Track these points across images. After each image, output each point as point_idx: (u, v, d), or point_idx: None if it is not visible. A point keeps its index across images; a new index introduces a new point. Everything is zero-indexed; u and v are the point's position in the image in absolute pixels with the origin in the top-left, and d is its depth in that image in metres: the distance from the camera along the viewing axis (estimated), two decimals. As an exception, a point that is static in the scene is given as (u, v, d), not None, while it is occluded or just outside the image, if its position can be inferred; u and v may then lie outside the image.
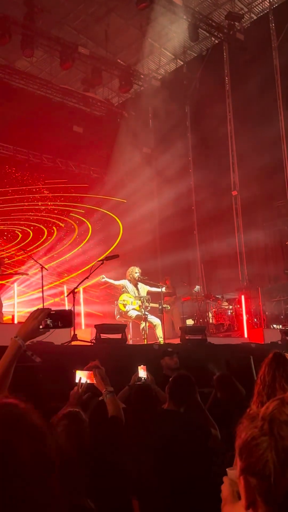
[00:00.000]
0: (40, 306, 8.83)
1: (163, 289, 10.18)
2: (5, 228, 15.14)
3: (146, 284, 9.84)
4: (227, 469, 2.06)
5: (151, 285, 9.95)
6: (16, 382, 2.11)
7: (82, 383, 3.42)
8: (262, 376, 2.54)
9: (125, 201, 16.21)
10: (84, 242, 15.93)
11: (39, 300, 9.72)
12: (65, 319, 2.25)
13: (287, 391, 2.40)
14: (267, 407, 1.01)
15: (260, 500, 0.96)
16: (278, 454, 0.93)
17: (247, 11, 16.14)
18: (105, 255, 10.24)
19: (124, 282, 9.69)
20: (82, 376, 3.50)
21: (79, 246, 15.69)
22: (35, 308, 2.30)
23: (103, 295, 13.89)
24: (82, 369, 3.58)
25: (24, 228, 15.43)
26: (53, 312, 2.23)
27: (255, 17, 16.20)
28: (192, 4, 15.38)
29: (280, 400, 1.02)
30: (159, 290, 9.95)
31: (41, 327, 2.18)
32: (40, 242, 15.37)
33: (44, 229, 15.76)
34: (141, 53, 16.96)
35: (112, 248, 15.31)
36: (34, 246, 15.05)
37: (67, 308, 10.82)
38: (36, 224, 15.67)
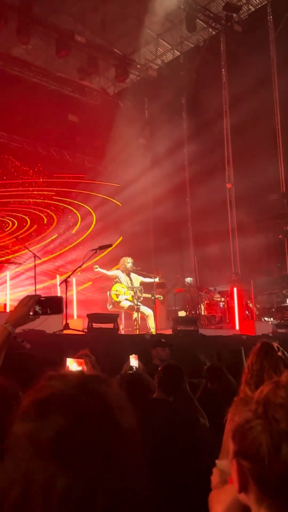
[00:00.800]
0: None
1: (157, 279, 10.20)
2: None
3: (139, 274, 9.85)
4: (216, 461, 2.08)
5: (144, 276, 9.96)
6: (7, 369, 2.11)
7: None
8: (250, 365, 2.54)
9: (119, 185, 16.15)
10: (88, 231, 15.84)
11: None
12: (55, 305, 2.25)
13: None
14: (261, 391, 1.02)
15: (253, 483, 0.96)
16: (272, 437, 0.94)
17: (245, 2, 16.05)
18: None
19: (117, 273, 9.71)
20: (72, 364, 3.50)
21: (83, 236, 15.60)
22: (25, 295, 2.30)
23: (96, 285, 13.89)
24: (72, 357, 3.58)
25: (19, 215, 15.38)
26: (43, 298, 2.22)
27: (253, 9, 16.12)
28: (190, -6, 15.28)
29: (274, 383, 1.02)
30: (152, 280, 9.97)
31: (31, 313, 2.18)
32: (30, 230, 15.31)
33: (43, 216, 15.70)
34: (138, 42, 16.84)
35: (87, 233, 15.32)
36: (27, 234, 15.00)
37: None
38: (32, 212, 15.61)
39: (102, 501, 0.78)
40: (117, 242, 14.45)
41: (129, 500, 0.83)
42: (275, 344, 2.55)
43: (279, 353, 2.46)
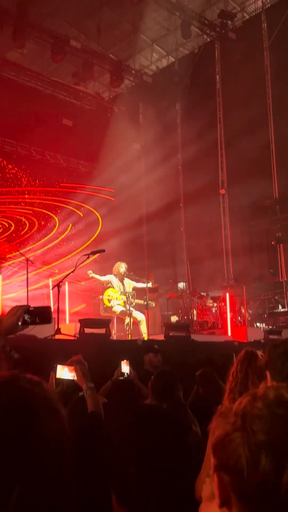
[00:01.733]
0: (23, 301, 8.80)
1: (149, 284, 10.21)
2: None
3: (132, 279, 9.86)
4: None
5: (137, 281, 9.97)
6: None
7: (58, 378, 3.42)
8: (234, 373, 2.56)
9: (113, 190, 16.16)
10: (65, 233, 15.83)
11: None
12: (44, 315, 2.27)
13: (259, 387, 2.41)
14: (239, 403, 1.02)
15: (234, 497, 0.95)
16: (250, 449, 0.93)
17: (240, 10, 16.18)
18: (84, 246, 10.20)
19: (109, 277, 9.70)
20: (63, 371, 3.50)
21: (87, 246, 15.57)
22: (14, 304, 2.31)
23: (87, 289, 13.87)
24: (63, 364, 3.58)
25: (11, 219, 15.34)
26: (32, 308, 2.24)
27: (247, 17, 16.24)
28: (186, 1, 15.37)
29: (252, 395, 1.02)
30: (144, 285, 9.98)
31: (19, 323, 2.19)
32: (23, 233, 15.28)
33: (35, 220, 15.66)
34: (133, 48, 16.93)
35: (90, 241, 15.32)
36: (19, 238, 14.96)
37: (52, 302, 10.80)
38: (27, 214, 15.58)
39: (16, 504, 0.79)
40: (95, 235, 14.49)
41: (47, 505, 0.83)
42: (259, 352, 2.56)
43: (262, 360, 2.49)
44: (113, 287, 9.55)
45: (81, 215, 16.14)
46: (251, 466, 0.92)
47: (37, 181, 15.92)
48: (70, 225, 15.98)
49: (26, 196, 15.59)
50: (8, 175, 15.37)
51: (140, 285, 9.94)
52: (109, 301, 9.46)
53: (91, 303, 12.74)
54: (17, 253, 10.61)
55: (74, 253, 14.79)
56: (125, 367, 4.72)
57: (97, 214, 16.11)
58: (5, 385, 0.86)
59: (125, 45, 17.21)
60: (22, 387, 0.89)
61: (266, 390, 1.03)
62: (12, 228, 15.14)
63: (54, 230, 15.65)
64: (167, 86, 16.66)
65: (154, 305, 10.95)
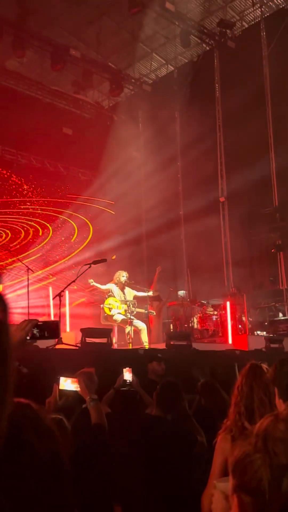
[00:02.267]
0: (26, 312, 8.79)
1: (150, 293, 10.20)
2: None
3: (133, 288, 9.84)
4: (215, 482, 2.06)
5: (138, 290, 9.96)
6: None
7: (61, 390, 3.41)
8: (239, 387, 2.55)
9: (113, 203, 16.19)
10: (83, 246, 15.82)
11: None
12: (51, 329, 2.29)
13: (264, 402, 2.41)
14: (261, 424, 1.00)
15: None
16: (272, 471, 0.92)
17: (239, 19, 16.26)
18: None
19: (110, 286, 9.68)
20: (66, 382, 3.48)
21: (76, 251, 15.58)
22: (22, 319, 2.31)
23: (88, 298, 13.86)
24: (66, 376, 3.56)
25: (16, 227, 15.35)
26: (40, 323, 2.25)
27: (246, 26, 16.33)
28: (185, 10, 15.46)
29: (274, 417, 1.01)
30: (145, 294, 9.96)
31: (28, 337, 2.20)
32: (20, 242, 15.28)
33: (37, 228, 15.67)
34: (133, 57, 17.01)
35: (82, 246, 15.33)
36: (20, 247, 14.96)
37: (52, 312, 10.79)
38: (28, 225, 15.59)
39: None
40: (85, 244, 14.51)
41: None
42: (265, 366, 2.55)
43: (268, 375, 2.48)
44: (114, 296, 9.53)
45: (76, 228, 16.16)
46: (273, 489, 0.91)
47: (38, 189, 15.94)
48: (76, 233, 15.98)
49: (28, 204, 15.61)
50: (8, 185, 15.39)
51: (141, 294, 9.93)
52: (110, 309, 9.44)
53: (92, 312, 12.70)
54: (14, 258, 10.60)
55: (64, 260, 14.80)
56: (127, 375, 4.70)
57: (88, 223, 16.11)
58: None
59: (124, 54, 17.29)
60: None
61: None
62: (9, 237, 15.13)
63: (47, 239, 15.65)
64: (166, 95, 16.72)
65: (154, 313, 10.94)
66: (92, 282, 9.46)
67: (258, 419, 2.38)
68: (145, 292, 10.00)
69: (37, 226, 15.76)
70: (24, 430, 0.89)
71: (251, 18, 16.29)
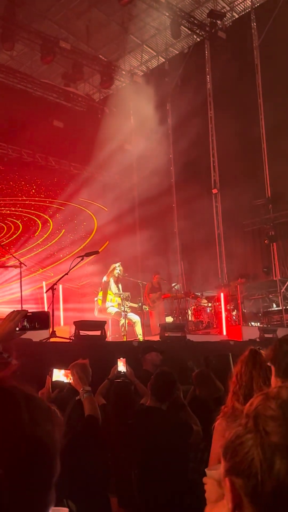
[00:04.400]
0: (18, 305, 8.75)
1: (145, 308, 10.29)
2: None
3: (127, 281, 9.85)
4: (206, 470, 2.05)
5: (131, 282, 9.97)
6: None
7: (54, 382, 3.39)
8: (238, 375, 2.51)
9: (106, 209, 16.14)
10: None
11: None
12: (42, 320, 2.25)
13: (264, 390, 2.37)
14: (251, 403, 0.97)
15: (246, 501, 0.91)
16: (264, 451, 0.89)
17: (229, 9, 16.18)
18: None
19: (107, 280, 9.65)
20: (59, 375, 3.46)
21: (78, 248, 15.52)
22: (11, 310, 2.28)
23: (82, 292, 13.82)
24: (59, 367, 3.54)
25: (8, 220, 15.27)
26: (30, 314, 2.22)
27: (237, 16, 16.26)
28: (175, 1, 15.36)
29: (264, 395, 0.98)
30: (136, 305, 10.05)
31: (17, 329, 2.16)
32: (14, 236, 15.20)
33: (22, 224, 15.59)
34: (123, 49, 16.90)
35: (85, 243, 15.27)
36: (9, 240, 14.88)
37: (46, 305, 10.75)
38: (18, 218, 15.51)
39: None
40: (103, 246, 14.43)
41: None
42: (263, 352, 2.51)
43: (269, 363, 2.44)
44: (110, 289, 9.52)
45: (75, 222, 16.11)
46: (265, 469, 0.88)
47: (32, 185, 15.85)
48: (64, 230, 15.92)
49: (24, 198, 15.52)
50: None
51: (132, 304, 9.86)
52: (103, 301, 9.44)
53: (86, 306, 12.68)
54: (10, 256, 10.53)
55: (68, 256, 14.75)
56: (121, 366, 4.69)
57: (93, 216, 16.07)
58: None
59: (114, 46, 17.18)
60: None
61: (279, 390, 0.99)
62: (5, 231, 15.06)
63: (48, 233, 15.59)
64: (157, 87, 16.62)
65: (147, 309, 10.94)
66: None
67: None
68: (139, 284, 9.99)
69: (35, 219, 15.69)
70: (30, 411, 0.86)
71: (241, 8, 16.22)
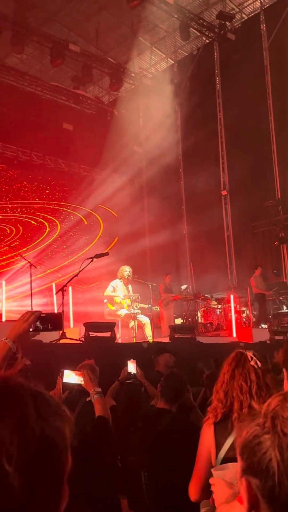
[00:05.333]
0: (29, 306, 8.78)
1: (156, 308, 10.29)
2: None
3: (136, 282, 9.84)
4: (212, 471, 2.04)
5: (141, 284, 9.96)
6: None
7: (65, 383, 3.40)
8: (223, 373, 2.56)
9: (116, 214, 16.18)
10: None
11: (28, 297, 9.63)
12: (54, 322, 2.28)
13: (244, 389, 2.41)
14: (269, 404, 0.97)
15: (263, 502, 0.92)
16: (281, 452, 0.89)
17: (238, 11, 16.17)
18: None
19: (114, 284, 9.63)
20: (70, 376, 3.47)
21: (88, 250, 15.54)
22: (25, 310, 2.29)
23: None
24: (72, 368, 3.55)
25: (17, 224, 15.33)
26: (43, 315, 2.23)
27: (246, 17, 16.24)
28: (184, 3, 15.37)
29: (282, 396, 0.98)
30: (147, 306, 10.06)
31: (31, 329, 2.18)
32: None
33: (44, 222, 15.66)
34: (132, 51, 16.93)
35: (92, 244, 15.28)
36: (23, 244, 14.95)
37: (55, 306, 10.78)
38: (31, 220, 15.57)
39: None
40: (113, 243, 14.49)
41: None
42: (249, 354, 2.54)
43: (252, 363, 2.47)
44: (117, 292, 9.52)
45: (86, 223, 16.14)
46: (282, 471, 0.88)
47: (43, 187, 15.92)
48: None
49: (37, 200, 15.58)
50: (7, 179, 15.37)
51: (143, 305, 9.89)
52: (112, 305, 9.42)
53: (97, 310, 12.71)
54: (19, 257, 10.59)
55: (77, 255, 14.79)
56: (131, 367, 4.69)
57: (99, 218, 16.12)
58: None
59: (124, 49, 17.22)
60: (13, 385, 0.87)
61: None
62: (14, 233, 15.12)
63: (56, 234, 15.64)
64: (166, 89, 16.64)
65: (158, 309, 10.94)
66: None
67: (236, 405, 2.38)
68: (149, 285, 10.00)
69: (44, 222, 15.75)
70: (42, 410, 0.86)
71: (250, 10, 16.19)
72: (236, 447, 0.98)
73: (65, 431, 0.87)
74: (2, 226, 15.20)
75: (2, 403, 0.84)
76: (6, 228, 15.14)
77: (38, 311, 2.27)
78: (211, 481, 1.96)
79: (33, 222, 15.71)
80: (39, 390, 0.89)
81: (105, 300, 9.73)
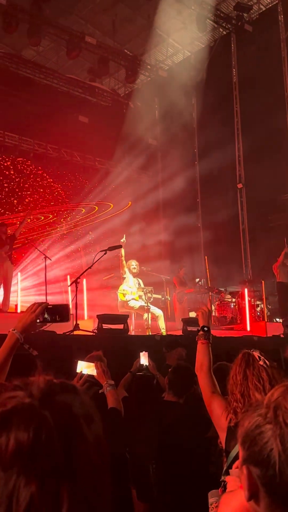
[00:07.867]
0: (42, 297, 8.86)
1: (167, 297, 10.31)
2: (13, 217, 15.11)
3: (149, 275, 9.89)
4: (230, 471, 2.06)
5: (154, 277, 9.99)
6: (15, 370, 2.12)
7: (82, 374, 3.43)
8: (233, 375, 2.59)
9: (130, 203, 16.16)
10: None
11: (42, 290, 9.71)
12: (62, 313, 2.31)
13: (259, 388, 2.44)
14: (271, 394, 0.98)
15: (263, 490, 0.93)
16: (283, 442, 0.91)
17: (256, 2, 15.99)
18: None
19: (127, 271, 9.70)
20: (83, 367, 3.51)
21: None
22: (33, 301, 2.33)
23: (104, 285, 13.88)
24: (83, 359, 3.59)
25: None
26: (51, 306, 2.27)
27: (263, 9, 16.05)
28: (201, -6, 15.25)
29: (285, 387, 0.99)
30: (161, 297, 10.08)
31: (38, 321, 2.21)
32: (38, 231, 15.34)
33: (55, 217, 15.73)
34: (148, 43, 16.85)
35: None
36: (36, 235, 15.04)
37: (70, 298, 10.86)
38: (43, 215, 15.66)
39: None
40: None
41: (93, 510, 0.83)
42: (256, 354, 2.59)
43: (261, 362, 2.51)
44: (128, 282, 9.57)
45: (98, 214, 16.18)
46: (283, 460, 0.90)
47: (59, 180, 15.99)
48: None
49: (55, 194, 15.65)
50: (26, 172, 15.45)
51: (155, 296, 9.95)
52: (124, 295, 9.48)
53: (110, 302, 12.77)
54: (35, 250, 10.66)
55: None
56: (143, 359, 4.72)
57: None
58: (43, 400, 0.84)
59: (140, 40, 17.14)
60: (62, 401, 0.86)
61: None
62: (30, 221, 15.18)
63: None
64: (183, 81, 16.54)
65: (170, 299, 10.97)
66: (124, 241, 9.49)
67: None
68: (162, 278, 10.02)
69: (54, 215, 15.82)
70: (78, 418, 0.86)
71: (268, 1, 16.00)
72: (238, 436, 1.00)
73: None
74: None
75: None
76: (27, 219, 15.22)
77: (45, 302, 2.31)
78: (226, 478, 1.98)
79: (50, 215, 15.79)
80: (90, 413, 0.91)
81: (117, 291, 9.78)
